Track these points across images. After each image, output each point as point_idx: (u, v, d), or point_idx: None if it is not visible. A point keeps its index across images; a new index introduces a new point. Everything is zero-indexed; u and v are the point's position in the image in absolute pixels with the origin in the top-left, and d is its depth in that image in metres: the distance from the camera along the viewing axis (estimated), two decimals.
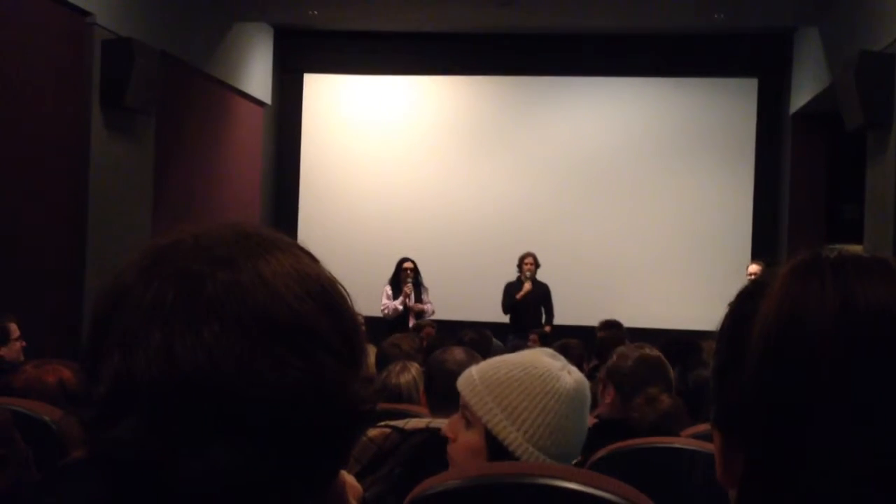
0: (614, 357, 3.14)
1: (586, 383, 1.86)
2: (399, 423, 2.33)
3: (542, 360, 1.86)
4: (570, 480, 1.78)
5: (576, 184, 9.64)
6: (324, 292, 0.73)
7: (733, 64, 9.35)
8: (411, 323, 8.15)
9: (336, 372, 0.71)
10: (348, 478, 0.78)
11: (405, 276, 8.33)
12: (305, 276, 0.73)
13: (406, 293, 8.29)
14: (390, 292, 8.37)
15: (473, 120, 9.85)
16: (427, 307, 8.43)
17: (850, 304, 0.67)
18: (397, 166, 9.85)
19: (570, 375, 1.84)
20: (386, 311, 8.28)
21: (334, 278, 0.77)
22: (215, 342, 0.66)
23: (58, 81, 6.08)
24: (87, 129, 6.31)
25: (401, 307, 8.29)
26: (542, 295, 8.52)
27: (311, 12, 8.70)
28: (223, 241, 0.73)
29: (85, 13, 6.26)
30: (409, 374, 3.43)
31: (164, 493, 0.67)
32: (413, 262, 8.42)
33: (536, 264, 8.53)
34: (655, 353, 3.19)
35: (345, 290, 0.77)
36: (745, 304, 0.75)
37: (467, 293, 9.16)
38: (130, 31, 6.63)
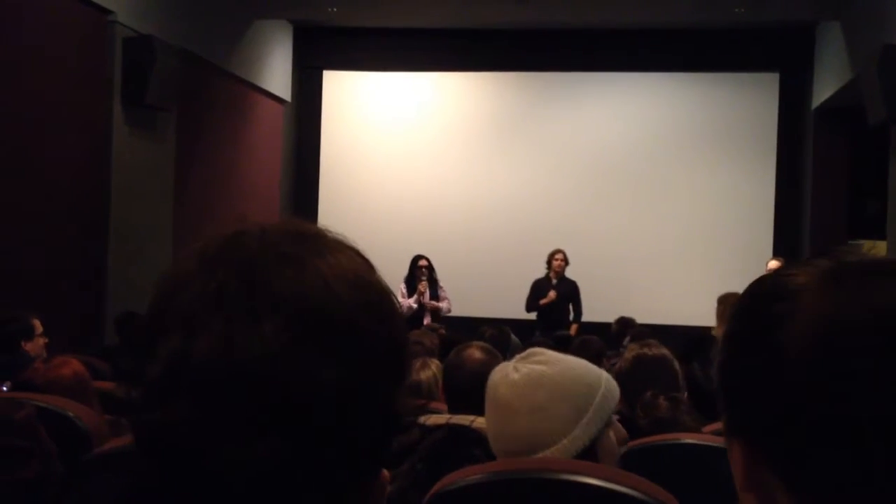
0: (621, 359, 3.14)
1: (516, 377, 1.84)
2: (420, 419, 2.34)
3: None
4: (592, 476, 1.77)
5: (594, 180, 9.61)
6: (379, 301, 0.74)
7: (754, 58, 9.29)
8: (426, 321, 8.16)
9: (382, 379, 0.72)
10: (387, 475, 0.79)
11: (420, 274, 8.31)
12: (364, 282, 0.74)
13: (420, 291, 8.27)
14: (405, 290, 8.35)
15: (491, 116, 9.84)
16: (443, 305, 8.39)
17: (880, 307, 0.67)
18: (416, 162, 9.86)
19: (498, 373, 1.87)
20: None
21: (389, 289, 0.78)
22: (274, 336, 0.67)
23: (79, 79, 6.12)
24: (109, 126, 6.35)
25: (415, 305, 8.26)
26: (570, 292, 8.46)
27: (329, 9, 8.71)
28: (288, 237, 0.74)
29: (106, 11, 6.29)
30: (430, 370, 3.44)
31: (207, 481, 0.67)
32: (427, 259, 8.40)
33: (566, 261, 8.49)
34: (657, 351, 3.17)
35: (398, 302, 0.78)
36: (762, 309, 0.73)
37: (488, 289, 9.16)
38: (151, 28, 6.66)
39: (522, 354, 1.91)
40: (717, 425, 2.89)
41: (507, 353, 4.29)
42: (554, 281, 8.45)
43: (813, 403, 0.67)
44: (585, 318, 8.38)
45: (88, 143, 6.22)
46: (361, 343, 0.71)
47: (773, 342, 0.70)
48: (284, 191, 9.85)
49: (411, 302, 8.27)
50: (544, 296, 8.37)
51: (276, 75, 9.41)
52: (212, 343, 0.67)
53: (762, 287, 0.76)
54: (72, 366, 2.93)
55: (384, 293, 0.76)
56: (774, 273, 0.76)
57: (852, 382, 0.66)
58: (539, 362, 1.86)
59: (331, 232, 0.78)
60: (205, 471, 0.67)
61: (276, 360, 0.67)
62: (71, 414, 2.52)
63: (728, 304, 6.31)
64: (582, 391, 1.84)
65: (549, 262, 8.51)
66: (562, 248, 8.59)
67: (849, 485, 0.66)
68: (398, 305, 0.78)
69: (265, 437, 0.67)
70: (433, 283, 8.40)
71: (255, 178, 9.06)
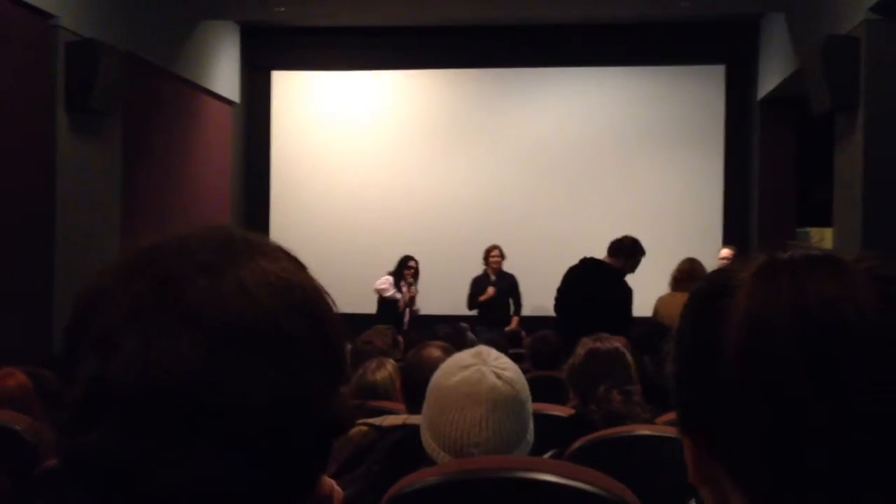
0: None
1: (499, 384, 1.87)
2: (376, 420, 2.32)
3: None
4: (548, 473, 1.78)
5: (548, 175, 9.65)
6: (307, 302, 0.72)
7: (701, 51, 9.41)
8: (406, 317, 8.25)
9: (315, 384, 0.70)
10: (329, 483, 0.77)
11: (408, 275, 8.39)
12: (289, 284, 0.71)
13: (406, 295, 8.35)
14: (392, 281, 8.44)
15: (445, 114, 9.84)
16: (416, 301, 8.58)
17: (804, 304, 0.67)
18: (369, 163, 9.82)
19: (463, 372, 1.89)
20: (384, 293, 8.36)
21: (320, 287, 0.75)
22: (192, 350, 0.65)
23: (21, 85, 6.00)
24: (53, 132, 6.24)
25: (398, 297, 8.35)
26: (509, 287, 8.54)
27: (277, 9, 8.64)
28: (207, 245, 0.72)
29: (48, 15, 6.18)
30: (386, 370, 3.43)
31: (141, 501, 0.66)
32: (416, 261, 8.45)
33: (503, 256, 8.55)
34: (609, 345, 3.19)
35: (331, 300, 0.76)
36: (704, 305, 0.74)
37: (443, 287, 9.15)
38: (94, 32, 6.55)
39: (482, 355, 1.94)
40: (671, 415, 2.92)
41: (464, 349, 4.29)
42: (492, 277, 8.52)
43: (745, 399, 0.68)
44: (543, 312, 8.42)
45: (33, 150, 6.10)
46: (288, 348, 0.69)
47: (713, 339, 0.71)
48: (235, 193, 9.76)
49: (395, 294, 8.39)
50: (483, 292, 8.44)
51: (224, 77, 9.32)
52: (128, 363, 0.65)
53: (708, 284, 0.76)
54: (16, 377, 2.87)
55: (314, 292, 0.74)
56: (720, 270, 0.77)
57: (775, 378, 0.66)
58: (504, 367, 1.91)
59: (256, 236, 0.75)
60: (137, 494, 0.65)
61: (196, 376, 0.65)
62: (18, 427, 2.46)
63: (681, 271, 6.39)
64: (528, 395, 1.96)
65: (485, 259, 8.58)
66: (518, 243, 8.64)
67: (784, 479, 0.67)
68: (331, 305, 0.75)
69: (194, 454, 0.65)
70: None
71: (205, 180, 8.96)
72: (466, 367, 1.89)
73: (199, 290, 0.67)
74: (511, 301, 8.56)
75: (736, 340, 0.69)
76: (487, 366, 1.89)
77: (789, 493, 0.67)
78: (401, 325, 7.88)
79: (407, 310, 8.40)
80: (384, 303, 8.39)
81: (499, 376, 1.87)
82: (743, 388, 0.68)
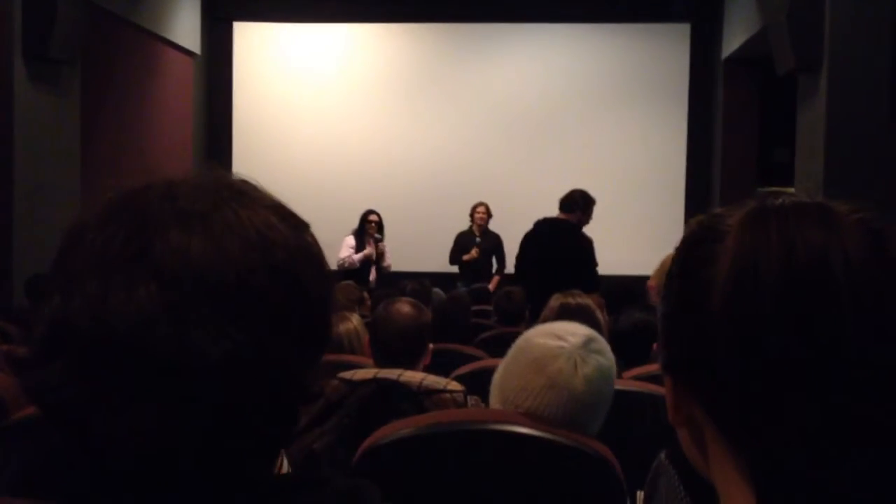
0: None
1: (588, 371, 1.86)
2: (347, 374, 2.33)
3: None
4: (520, 425, 1.79)
5: (513, 131, 9.64)
6: (290, 263, 0.70)
7: (666, 10, 9.39)
8: (372, 275, 8.07)
9: (280, 349, 0.68)
10: None
11: (370, 230, 8.18)
12: (271, 243, 0.69)
13: (369, 252, 8.11)
14: (353, 244, 8.15)
15: (409, 68, 9.76)
16: (388, 261, 8.32)
17: (791, 251, 0.67)
18: (333, 117, 9.73)
19: (543, 340, 1.89)
20: (343, 264, 8.02)
21: (314, 252, 0.73)
22: (149, 301, 0.64)
23: None
24: (10, 81, 6.10)
25: (359, 262, 8.09)
26: (493, 245, 8.51)
27: None
28: (196, 192, 0.70)
29: None
30: (350, 323, 3.42)
31: (93, 450, 0.65)
32: (378, 214, 8.28)
33: (489, 214, 8.52)
34: (580, 300, 3.21)
35: (326, 267, 0.74)
36: (695, 249, 0.74)
37: (408, 243, 9.14)
38: None
39: (591, 344, 1.89)
40: (638, 370, 2.95)
41: (429, 306, 4.30)
42: (477, 234, 8.49)
43: (728, 344, 0.68)
44: (509, 270, 8.45)
45: None
46: (256, 308, 0.67)
47: (701, 283, 0.71)
48: (197, 145, 9.63)
49: (357, 258, 8.08)
50: (466, 249, 8.40)
51: (185, 27, 9.14)
52: (85, 306, 0.64)
53: (699, 228, 0.76)
54: None
55: (301, 255, 0.71)
56: (712, 214, 0.77)
57: (758, 324, 0.67)
58: (598, 352, 1.89)
59: (252, 187, 0.73)
60: (78, 437, 0.65)
61: (150, 328, 0.64)
62: None
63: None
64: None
65: (471, 215, 8.53)
66: (480, 199, 8.62)
67: (762, 426, 0.67)
68: (323, 272, 0.73)
69: (142, 406, 0.64)
70: (380, 241, 8.26)
71: (166, 132, 8.82)
72: (567, 346, 1.86)
73: (167, 242, 0.66)
74: (495, 259, 8.53)
75: (722, 286, 0.69)
76: (587, 363, 1.85)
77: (765, 440, 0.68)
78: (367, 282, 7.78)
79: (373, 267, 8.24)
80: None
81: (586, 377, 1.84)
82: (727, 334, 0.68)
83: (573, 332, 1.90)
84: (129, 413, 0.64)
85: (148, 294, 0.64)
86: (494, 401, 1.89)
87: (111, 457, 0.65)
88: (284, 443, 0.73)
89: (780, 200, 0.73)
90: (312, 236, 0.75)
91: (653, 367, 2.95)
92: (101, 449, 0.65)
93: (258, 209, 0.71)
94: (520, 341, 1.93)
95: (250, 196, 0.72)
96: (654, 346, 3.18)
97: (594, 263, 5.93)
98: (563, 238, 5.91)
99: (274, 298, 0.68)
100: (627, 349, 3.09)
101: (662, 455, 1.00)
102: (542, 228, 6.04)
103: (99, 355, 0.64)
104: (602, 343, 1.93)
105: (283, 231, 0.71)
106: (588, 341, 1.89)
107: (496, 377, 1.92)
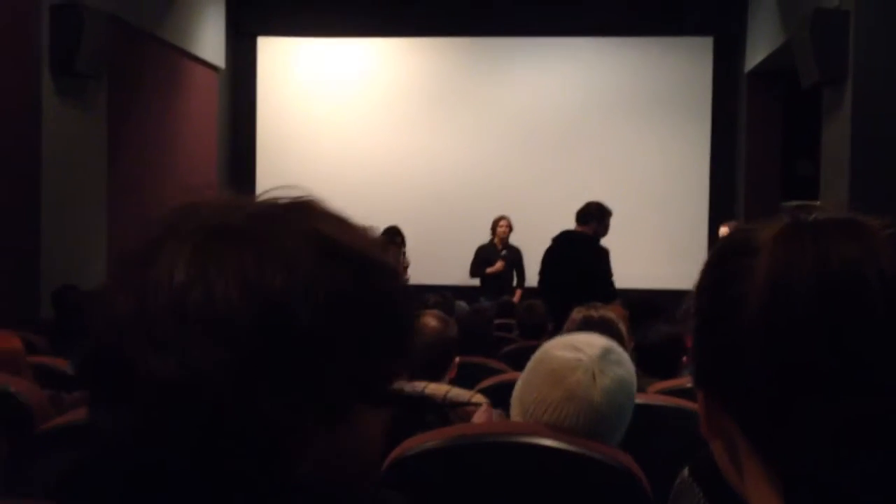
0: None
1: (607, 383, 1.86)
2: None
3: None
4: (545, 437, 1.79)
5: (534, 145, 9.63)
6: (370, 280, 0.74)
7: (689, 23, 9.38)
8: None
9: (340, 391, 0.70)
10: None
11: (395, 248, 8.23)
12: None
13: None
14: None
15: (430, 82, 9.78)
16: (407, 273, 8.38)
17: (826, 265, 0.68)
18: (356, 130, 9.77)
19: (565, 352, 1.88)
20: None
21: (382, 266, 0.76)
22: (217, 358, 0.65)
23: (6, 48, 5.92)
24: (38, 96, 6.17)
25: None
26: (514, 259, 8.50)
27: None
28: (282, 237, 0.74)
29: None
30: None
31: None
32: (402, 235, 8.31)
33: (510, 228, 8.52)
34: (603, 313, 3.21)
35: (399, 277, 0.76)
36: (727, 263, 0.75)
37: (430, 256, 9.14)
38: None
39: (610, 355, 1.89)
40: (664, 384, 2.94)
41: (453, 318, 4.29)
42: (500, 247, 8.49)
43: (762, 357, 0.68)
44: (530, 283, 8.44)
45: (19, 114, 6.04)
46: (323, 361, 0.69)
47: (734, 297, 0.71)
48: (221, 158, 9.69)
49: None
50: (489, 262, 8.41)
51: (210, 42, 9.22)
52: (164, 359, 0.65)
53: (731, 242, 0.77)
54: (10, 341, 2.85)
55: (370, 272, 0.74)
56: (742, 229, 0.77)
57: (793, 338, 0.67)
58: (616, 363, 1.88)
59: (321, 205, 0.79)
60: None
61: (212, 385, 0.65)
62: (12, 389, 2.45)
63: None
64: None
65: (493, 229, 8.54)
66: (502, 212, 8.62)
67: (794, 439, 0.68)
68: (396, 287, 0.75)
69: (141, 408, 0.65)
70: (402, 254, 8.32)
71: (191, 146, 8.89)
72: (584, 358, 1.85)
73: (225, 290, 0.67)
74: (515, 273, 8.53)
75: (757, 300, 0.69)
76: (605, 375, 1.84)
77: (798, 454, 0.68)
78: None
79: None
80: None
81: (604, 389, 1.83)
82: (760, 346, 0.68)
83: (591, 344, 1.89)
84: (126, 412, 0.65)
85: (219, 352, 0.65)
86: (515, 413, 1.89)
87: (112, 456, 0.66)
88: (297, 444, 0.71)
89: (813, 216, 0.73)
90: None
91: (680, 381, 2.94)
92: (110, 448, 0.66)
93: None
94: (538, 354, 1.93)
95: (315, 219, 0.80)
96: (684, 359, 3.17)
97: (609, 274, 5.95)
98: (579, 250, 5.94)
99: (335, 331, 0.70)
100: (656, 363, 3.08)
101: (685, 472, 1.00)
102: (560, 242, 6.07)
103: (164, 400, 0.65)
104: (620, 354, 1.93)
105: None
106: (606, 352, 1.88)
107: (516, 390, 1.92)
